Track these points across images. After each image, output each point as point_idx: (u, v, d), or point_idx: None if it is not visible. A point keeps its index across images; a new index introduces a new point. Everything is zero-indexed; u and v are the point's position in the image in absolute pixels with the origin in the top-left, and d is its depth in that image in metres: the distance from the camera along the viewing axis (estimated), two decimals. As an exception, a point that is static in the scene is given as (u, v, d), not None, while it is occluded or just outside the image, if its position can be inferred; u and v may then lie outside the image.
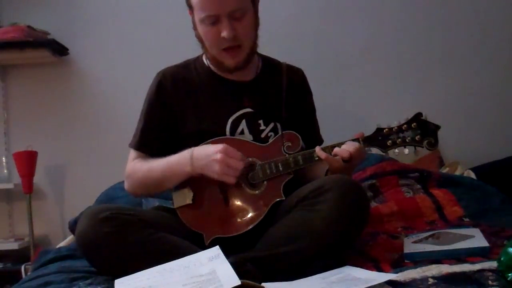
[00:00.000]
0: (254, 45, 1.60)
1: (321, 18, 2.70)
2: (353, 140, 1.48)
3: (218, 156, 1.42)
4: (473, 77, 2.66)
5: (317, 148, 1.48)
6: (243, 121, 1.59)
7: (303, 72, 1.75)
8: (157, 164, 1.54)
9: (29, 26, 2.55)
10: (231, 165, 1.42)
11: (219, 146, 1.44)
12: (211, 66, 1.65)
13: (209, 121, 1.58)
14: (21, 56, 2.58)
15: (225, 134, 1.57)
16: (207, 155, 1.45)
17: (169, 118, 1.61)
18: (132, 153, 1.64)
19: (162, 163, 1.54)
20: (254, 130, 1.59)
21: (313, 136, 1.73)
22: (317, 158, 1.49)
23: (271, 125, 1.61)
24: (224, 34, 1.49)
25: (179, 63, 1.70)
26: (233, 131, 1.58)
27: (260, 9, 1.63)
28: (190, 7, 1.56)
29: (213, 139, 1.55)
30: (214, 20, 1.50)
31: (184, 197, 1.51)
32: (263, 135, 1.59)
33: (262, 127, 1.60)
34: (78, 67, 2.75)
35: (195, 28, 1.58)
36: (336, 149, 1.45)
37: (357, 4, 2.70)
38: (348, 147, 1.44)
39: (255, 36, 1.59)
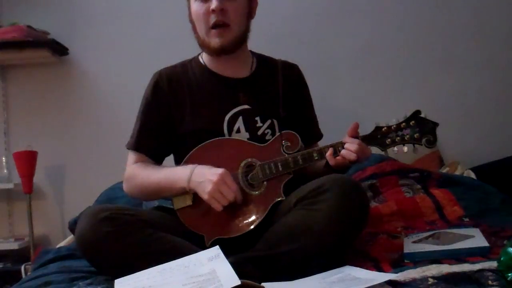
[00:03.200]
0: (244, 33, 1.61)
1: (320, 18, 2.70)
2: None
3: (215, 178, 1.41)
4: (473, 77, 2.66)
5: (329, 156, 1.47)
6: (240, 119, 1.59)
7: (298, 67, 1.75)
8: (155, 174, 1.54)
9: (29, 26, 2.55)
10: (223, 192, 1.41)
11: (220, 170, 1.43)
12: (207, 63, 1.65)
13: (205, 119, 1.58)
14: (21, 56, 2.58)
15: (222, 132, 1.57)
16: (205, 174, 1.44)
17: (166, 118, 1.61)
18: (131, 154, 1.63)
19: (160, 174, 1.53)
20: (251, 128, 1.59)
21: (311, 131, 1.73)
22: (316, 158, 1.49)
23: (268, 122, 1.61)
24: (213, 6, 1.51)
25: (175, 64, 1.70)
26: (230, 129, 1.57)
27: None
28: None
29: (212, 139, 1.54)
30: None
31: (184, 199, 1.51)
32: (259, 133, 1.59)
33: (259, 124, 1.60)
34: (78, 67, 2.75)
35: (190, 12, 1.60)
36: (342, 152, 1.45)
37: (356, 4, 2.70)
38: (353, 147, 1.44)
39: (246, 25, 1.61)
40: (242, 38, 1.61)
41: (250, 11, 1.62)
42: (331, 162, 1.47)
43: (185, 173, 1.47)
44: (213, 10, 1.51)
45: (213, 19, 1.53)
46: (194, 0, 1.56)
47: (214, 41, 1.56)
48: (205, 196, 1.42)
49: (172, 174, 1.51)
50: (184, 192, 1.49)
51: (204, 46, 1.60)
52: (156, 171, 1.55)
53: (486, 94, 2.66)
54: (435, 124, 1.46)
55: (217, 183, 1.40)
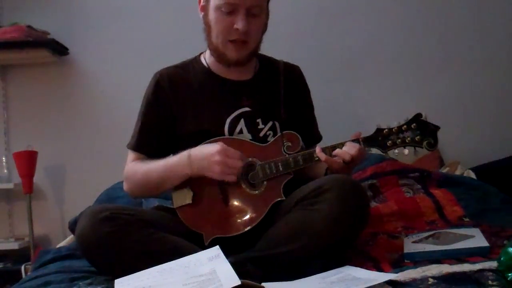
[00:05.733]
0: (258, 46, 1.61)
1: (321, 18, 2.70)
2: (353, 141, 1.48)
3: (217, 157, 1.42)
4: (473, 77, 2.66)
5: (317, 149, 1.47)
6: (242, 121, 1.59)
7: (300, 69, 1.75)
8: (156, 166, 1.54)
9: (29, 26, 2.55)
10: (230, 164, 1.43)
11: (216, 147, 1.44)
12: (210, 65, 1.65)
13: (207, 121, 1.58)
14: (21, 56, 2.58)
15: (223, 134, 1.57)
16: (205, 156, 1.44)
17: (167, 119, 1.61)
18: (131, 154, 1.63)
19: (160, 165, 1.53)
20: (253, 129, 1.59)
21: (311, 133, 1.73)
22: (317, 158, 1.49)
23: (270, 124, 1.61)
24: (239, 26, 1.49)
25: (176, 64, 1.70)
26: (231, 130, 1.57)
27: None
28: None
29: (212, 139, 1.54)
30: (231, 10, 1.50)
31: (184, 197, 1.51)
32: (261, 134, 1.59)
33: (261, 126, 1.60)
34: (78, 67, 2.75)
35: (205, 14, 1.57)
36: (337, 151, 1.45)
37: (357, 4, 2.70)
38: (349, 149, 1.44)
39: (260, 39, 1.61)
40: (257, 51, 1.62)
41: (266, 23, 1.61)
42: (322, 157, 1.46)
43: (183, 159, 1.48)
44: (237, 29, 1.50)
45: (234, 35, 1.52)
46: (215, 9, 1.52)
47: (231, 53, 1.55)
48: (216, 176, 1.44)
49: (171, 163, 1.52)
50: (185, 185, 1.49)
51: (217, 53, 1.59)
52: (155, 164, 1.55)
53: (486, 94, 2.66)
54: (436, 127, 1.47)
55: (222, 161, 1.42)
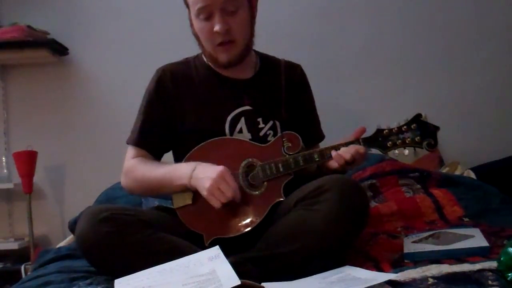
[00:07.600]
0: (249, 42, 1.60)
1: (321, 18, 2.70)
2: (352, 142, 1.48)
3: (214, 175, 1.41)
4: (473, 77, 2.67)
5: (334, 153, 1.47)
6: (242, 119, 1.58)
7: (301, 68, 1.75)
8: (157, 170, 1.54)
9: (29, 26, 2.55)
10: (222, 189, 1.40)
11: (220, 167, 1.43)
12: (210, 63, 1.65)
13: (208, 119, 1.58)
14: (21, 56, 2.59)
15: (224, 132, 1.57)
16: (206, 171, 1.44)
17: (168, 115, 1.61)
18: (130, 149, 1.63)
19: (161, 170, 1.53)
20: (253, 129, 1.59)
21: (313, 133, 1.73)
22: (317, 159, 1.49)
23: (270, 123, 1.61)
24: (217, 28, 1.49)
25: (178, 61, 1.70)
26: (232, 129, 1.57)
27: (259, 8, 1.63)
28: (187, 5, 1.57)
29: (213, 139, 1.55)
30: (207, 15, 1.50)
31: (184, 198, 1.51)
32: (261, 134, 1.59)
33: (261, 125, 1.60)
34: (78, 67, 2.75)
35: (191, 25, 1.59)
36: (338, 152, 1.46)
37: (357, 4, 2.71)
38: (349, 150, 1.45)
39: (251, 33, 1.60)
40: (249, 47, 1.61)
41: (252, 15, 1.60)
42: (334, 165, 1.47)
43: (187, 170, 1.47)
44: (217, 32, 1.50)
45: (218, 39, 1.52)
46: (196, 17, 1.54)
47: (221, 56, 1.56)
48: (204, 192, 1.42)
49: (174, 170, 1.51)
50: (184, 190, 1.49)
51: (211, 59, 1.60)
52: (157, 166, 1.55)
53: (486, 94, 2.66)
54: (436, 128, 1.47)
55: (216, 180, 1.40)
